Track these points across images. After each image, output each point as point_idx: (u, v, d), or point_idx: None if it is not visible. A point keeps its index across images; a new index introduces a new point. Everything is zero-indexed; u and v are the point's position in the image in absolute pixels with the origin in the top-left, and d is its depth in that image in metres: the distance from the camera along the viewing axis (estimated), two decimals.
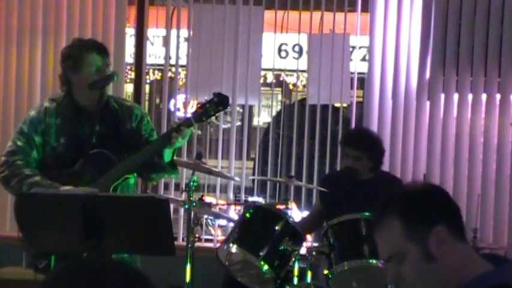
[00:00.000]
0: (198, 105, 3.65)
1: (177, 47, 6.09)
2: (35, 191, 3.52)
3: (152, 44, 8.98)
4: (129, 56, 6.48)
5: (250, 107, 7.97)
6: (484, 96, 5.65)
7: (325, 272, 4.19)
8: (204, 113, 3.49)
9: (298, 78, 7.40)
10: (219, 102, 3.51)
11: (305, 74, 6.68)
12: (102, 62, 3.66)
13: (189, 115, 3.79)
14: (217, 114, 3.60)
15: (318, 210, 4.98)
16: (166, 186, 6.17)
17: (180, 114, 6.78)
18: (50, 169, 3.65)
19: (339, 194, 4.73)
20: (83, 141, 3.64)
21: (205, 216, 6.37)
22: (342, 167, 5.57)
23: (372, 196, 4.50)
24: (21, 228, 3.27)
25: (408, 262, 1.90)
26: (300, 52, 7.65)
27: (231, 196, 6.15)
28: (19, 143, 3.67)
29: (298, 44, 7.54)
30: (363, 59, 7.07)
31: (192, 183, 4.04)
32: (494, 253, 2.02)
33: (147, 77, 9.79)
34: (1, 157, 3.74)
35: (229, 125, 5.97)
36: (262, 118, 10.95)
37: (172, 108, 6.56)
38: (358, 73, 6.08)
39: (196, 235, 5.07)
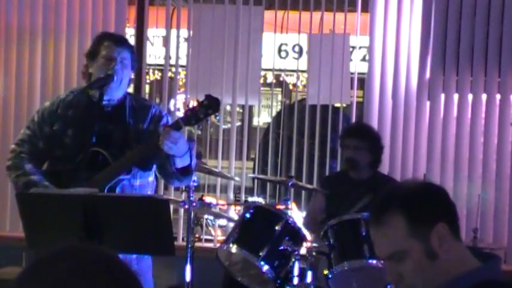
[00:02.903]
0: (188, 108, 3.54)
1: (177, 47, 6.09)
2: (34, 190, 3.52)
3: (152, 44, 9.00)
4: None
5: (250, 107, 7.96)
6: (484, 96, 5.65)
7: (325, 272, 4.19)
8: (193, 116, 3.40)
9: (298, 78, 7.41)
10: (209, 106, 3.39)
11: (305, 74, 6.68)
12: (113, 51, 3.60)
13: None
14: (207, 118, 3.46)
15: (321, 205, 4.92)
16: (166, 187, 6.16)
17: (180, 114, 6.78)
18: (57, 160, 3.63)
19: (337, 195, 4.72)
20: (89, 135, 3.59)
21: (205, 217, 6.38)
22: (341, 166, 5.58)
23: (371, 196, 4.54)
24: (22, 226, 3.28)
25: (410, 259, 1.88)
26: (300, 52, 7.65)
27: (231, 196, 6.15)
28: (28, 131, 3.71)
29: (298, 44, 7.54)
30: (363, 59, 7.07)
31: (192, 183, 4.04)
32: (482, 250, 2.01)
33: (147, 77, 9.81)
34: (12, 144, 3.80)
35: (229, 125, 5.97)
36: (262, 118, 10.95)
37: (172, 108, 6.56)
38: (358, 73, 6.08)
39: (196, 235, 5.09)
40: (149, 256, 3.76)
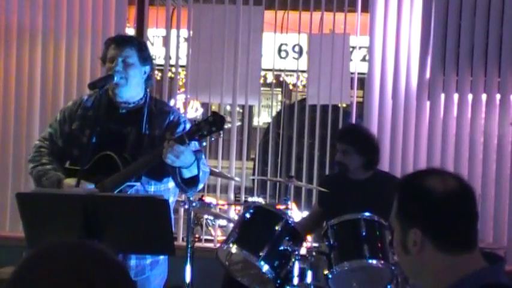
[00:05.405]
0: (195, 122, 3.47)
1: (177, 47, 6.09)
2: (36, 190, 3.52)
3: (152, 44, 8.98)
4: None
5: (250, 107, 7.97)
6: (484, 96, 5.65)
7: (325, 272, 4.19)
8: (197, 131, 3.33)
9: (298, 78, 7.41)
10: (213, 123, 3.32)
11: (305, 74, 6.68)
12: (114, 52, 3.60)
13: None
14: (211, 135, 3.34)
15: (316, 211, 4.97)
16: None
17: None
18: (75, 160, 3.62)
19: (337, 195, 4.72)
20: (106, 137, 3.58)
21: (205, 217, 6.38)
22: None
23: (370, 196, 4.54)
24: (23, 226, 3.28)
25: (394, 236, 1.93)
26: (300, 52, 7.65)
27: (231, 196, 6.15)
28: (50, 129, 3.78)
29: (298, 44, 7.54)
30: (363, 59, 7.07)
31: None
32: (490, 252, 1.99)
33: None
34: (36, 141, 3.88)
35: (229, 125, 5.96)
36: (262, 118, 10.96)
37: None
38: (358, 73, 6.08)
39: (196, 235, 5.09)
40: (165, 260, 3.74)
